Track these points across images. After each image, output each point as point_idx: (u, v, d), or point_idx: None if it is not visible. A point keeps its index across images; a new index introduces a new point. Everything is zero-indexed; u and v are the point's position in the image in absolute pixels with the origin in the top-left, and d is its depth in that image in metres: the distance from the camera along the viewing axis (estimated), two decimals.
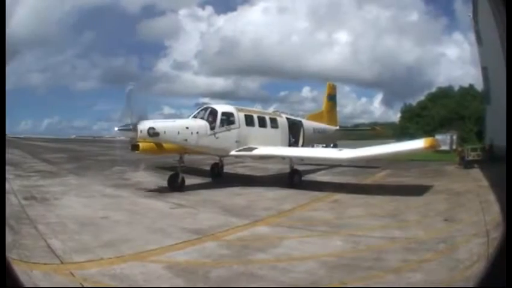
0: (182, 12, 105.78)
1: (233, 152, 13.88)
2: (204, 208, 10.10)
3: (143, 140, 11.82)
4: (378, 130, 22.25)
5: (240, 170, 19.42)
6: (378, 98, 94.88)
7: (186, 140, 12.52)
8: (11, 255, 5.50)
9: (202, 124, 13.19)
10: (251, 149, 13.85)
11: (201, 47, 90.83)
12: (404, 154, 14.95)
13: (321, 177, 17.39)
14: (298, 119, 17.49)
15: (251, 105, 17.23)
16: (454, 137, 28.82)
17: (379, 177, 17.18)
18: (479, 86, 32.01)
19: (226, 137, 13.56)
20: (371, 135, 21.27)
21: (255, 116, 14.89)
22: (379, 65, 71.65)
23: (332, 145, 22.70)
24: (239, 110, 14.43)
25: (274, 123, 15.61)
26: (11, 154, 17.58)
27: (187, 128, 12.69)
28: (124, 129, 11.99)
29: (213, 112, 13.69)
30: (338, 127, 21.44)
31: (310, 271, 5.43)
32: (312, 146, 19.49)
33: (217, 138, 13.32)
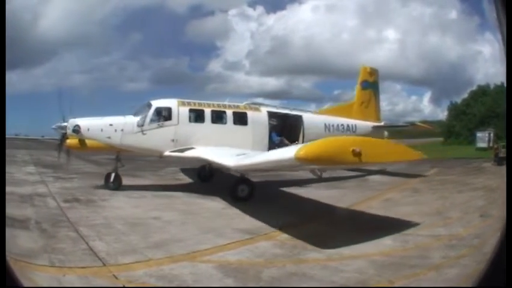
0: (232, 12, 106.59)
1: (167, 153, 12.11)
2: (258, 207, 9.90)
3: (71, 137, 11.76)
4: (419, 126, 17.78)
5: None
6: (428, 95, 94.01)
7: (109, 137, 11.75)
8: (38, 261, 5.48)
9: (128, 121, 12.03)
10: (183, 150, 11.95)
11: (252, 47, 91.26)
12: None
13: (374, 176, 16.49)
14: (298, 113, 14.54)
15: (305, 105, 15.57)
16: (491, 135, 28.75)
17: (427, 175, 17.04)
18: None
19: (157, 135, 12.01)
20: (420, 133, 19.44)
21: (208, 111, 12.63)
22: (426, 62, 71.44)
23: None
24: (183, 104, 12.49)
25: (240, 119, 13.01)
26: (50, 156, 17.22)
27: (110, 125, 11.82)
28: (57, 127, 12.08)
29: (147, 107, 12.34)
30: (381, 123, 16.96)
31: (360, 270, 5.42)
32: None
33: (145, 135, 11.92)
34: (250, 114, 13.17)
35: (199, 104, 12.83)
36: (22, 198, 10.26)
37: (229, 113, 12.88)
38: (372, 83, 17.34)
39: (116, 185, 12.06)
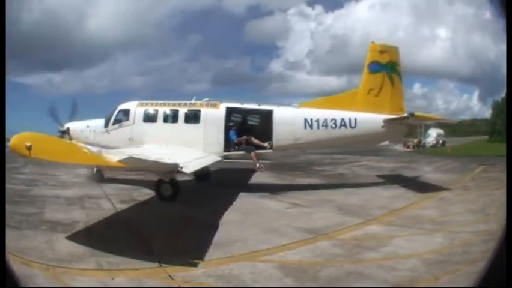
0: (291, 11, 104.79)
1: None
2: (320, 207, 10.17)
3: (66, 138, 13.19)
4: (419, 117, 13.47)
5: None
6: (476, 94, 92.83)
7: (87, 137, 13.29)
8: (82, 265, 5.49)
9: (99, 123, 13.47)
10: None
11: (312, 46, 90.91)
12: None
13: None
14: (268, 108, 12.92)
15: None
16: None
17: (476, 173, 17.25)
18: None
19: (117, 135, 12.92)
20: (468, 132, 18.91)
21: (161, 111, 12.87)
22: (473, 61, 71.25)
23: (441, 142, 19.73)
24: (141, 105, 13.10)
25: (193, 117, 12.64)
26: None
27: (87, 126, 13.57)
28: (60, 129, 13.81)
29: (114, 109, 13.46)
30: (402, 115, 12.76)
31: (412, 269, 5.54)
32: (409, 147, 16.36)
33: (109, 135, 13.09)
34: (203, 111, 12.65)
35: (156, 104, 13.13)
36: (69, 201, 10.48)
37: (181, 111, 12.75)
38: (385, 65, 13.25)
39: (99, 177, 13.88)
